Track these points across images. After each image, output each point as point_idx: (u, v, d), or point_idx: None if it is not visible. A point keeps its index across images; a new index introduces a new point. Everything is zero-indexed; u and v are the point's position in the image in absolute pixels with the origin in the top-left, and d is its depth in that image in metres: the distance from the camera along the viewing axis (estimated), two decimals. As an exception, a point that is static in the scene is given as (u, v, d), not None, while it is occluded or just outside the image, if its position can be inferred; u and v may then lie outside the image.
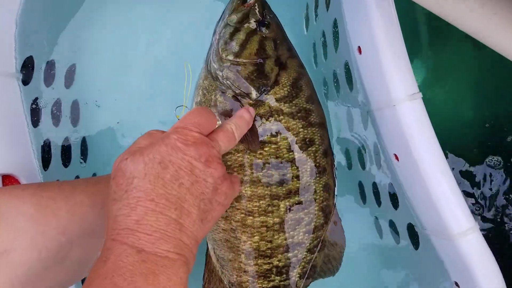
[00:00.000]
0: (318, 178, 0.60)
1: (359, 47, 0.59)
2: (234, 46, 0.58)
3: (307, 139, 0.59)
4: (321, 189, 0.60)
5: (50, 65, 0.71)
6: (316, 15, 0.76)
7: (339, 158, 0.81)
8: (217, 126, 0.52)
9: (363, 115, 0.66)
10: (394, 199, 0.67)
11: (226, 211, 0.60)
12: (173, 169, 0.44)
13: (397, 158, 0.59)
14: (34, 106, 0.67)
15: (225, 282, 0.65)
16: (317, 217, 0.61)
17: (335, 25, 0.67)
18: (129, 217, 0.42)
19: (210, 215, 0.47)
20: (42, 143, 0.67)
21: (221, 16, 0.61)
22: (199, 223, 0.46)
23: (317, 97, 0.62)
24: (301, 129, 0.59)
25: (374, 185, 0.73)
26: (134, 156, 0.45)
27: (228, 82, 0.58)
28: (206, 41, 0.63)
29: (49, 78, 0.71)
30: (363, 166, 0.75)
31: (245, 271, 0.62)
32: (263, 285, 0.62)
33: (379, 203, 0.74)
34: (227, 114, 0.58)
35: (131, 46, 0.84)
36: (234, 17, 0.59)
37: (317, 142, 0.60)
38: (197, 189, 0.45)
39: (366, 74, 0.60)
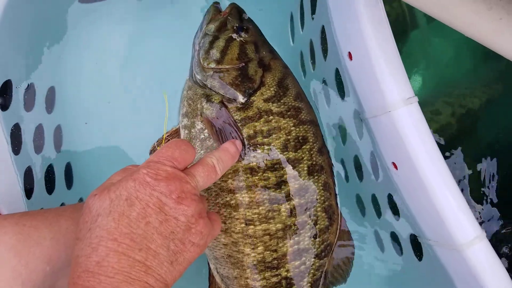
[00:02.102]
0: (316, 177, 0.58)
1: (349, 52, 0.57)
2: (215, 53, 0.57)
3: (300, 137, 0.57)
4: (321, 188, 0.58)
5: (30, 89, 0.68)
6: (302, 25, 0.74)
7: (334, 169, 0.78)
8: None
9: (357, 124, 0.64)
10: (395, 210, 0.64)
11: (225, 223, 0.57)
12: (140, 206, 0.41)
13: (395, 166, 0.56)
14: (14, 131, 0.64)
15: None
16: (321, 218, 0.58)
17: (322, 32, 0.65)
18: (90, 258, 0.39)
19: (182, 257, 0.43)
20: (24, 171, 0.64)
21: (199, 27, 0.61)
22: (168, 265, 0.42)
23: (305, 95, 0.60)
24: (292, 128, 0.57)
25: (373, 196, 0.70)
26: (102, 192, 0.42)
27: (213, 90, 0.57)
28: (187, 55, 0.62)
29: (29, 103, 0.68)
30: (360, 178, 0.72)
31: None
32: None
33: (379, 215, 0.72)
34: (214, 121, 0.56)
35: (111, 67, 0.82)
36: (212, 26, 0.59)
37: (311, 140, 0.58)
38: (166, 228, 0.42)
39: (358, 80, 0.58)
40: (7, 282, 0.47)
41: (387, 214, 0.68)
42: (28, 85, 0.68)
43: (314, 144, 0.58)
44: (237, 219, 0.56)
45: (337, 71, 0.63)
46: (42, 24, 0.69)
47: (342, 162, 0.76)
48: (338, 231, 0.61)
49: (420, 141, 0.50)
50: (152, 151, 0.60)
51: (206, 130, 0.57)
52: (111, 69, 0.82)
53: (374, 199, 0.70)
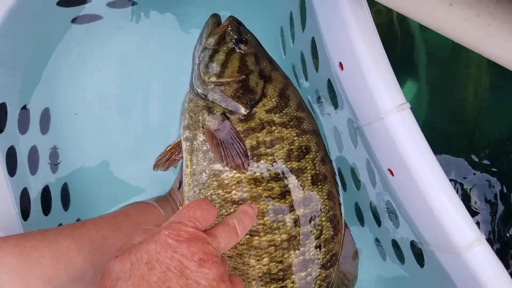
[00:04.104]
0: (320, 187, 0.58)
1: (340, 63, 0.58)
2: (215, 67, 0.57)
3: (303, 147, 0.57)
4: (325, 197, 0.58)
5: (24, 112, 0.68)
6: (293, 38, 0.75)
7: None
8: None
9: (351, 133, 0.64)
10: (394, 217, 0.64)
11: None
12: (160, 270, 0.40)
13: (391, 173, 0.56)
14: (10, 153, 0.64)
15: None
16: (326, 228, 0.58)
17: (313, 44, 0.65)
18: None
19: None
20: (20, 193, 0.63)
21: (198, 40, 0.61)
22: None
23: (306, 105, 0.61)
24: (295, 138, 0.57)
25: (371, 205, 0.70)
26: (124, 255, 0.42)
27: (215, 103, 0.57)
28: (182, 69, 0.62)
29: (23, 125, 0.68)
30: (357, 187, 0.72)
31: None
32: None
33: (378, 223, 0.71)
34: (216, 133, 0.56)
35: (106, 86, 0.82)
36: (211, 40, 0.59)
37: (314, 149, 0.58)
38: None
39: (351, 89, 0.58)
40: None
41: (387, 222, 0.68)
42: (22, 107, 0.68)
43: (317, 154, 0.58)
44: None
45: (329, 81, 0.63)
46: (35, 45, 0.69)
47: (339, 171, 0.76)
48: (342, 240, 0.61)
49: (414, 146, 0.51)
50: (155, 165, 0.59)
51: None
52: (106, 88, 0.82)
53: (373, 207, 0.70)
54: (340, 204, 0.60)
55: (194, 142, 0.58)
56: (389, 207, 0.64)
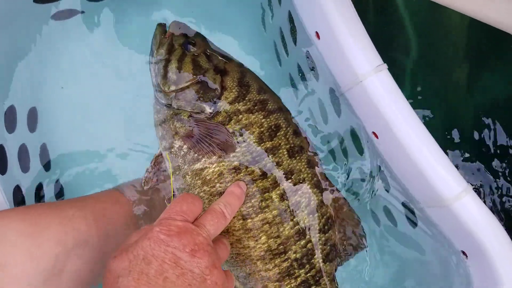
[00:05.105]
0: (298, 158, 0.59)
1: (316, 32, 0.58)
2: (172, 76, 0.59)
3: (272, 126, 0.59)
4: (305, 167, 0.59)
5: (10, 111, 0.69)
6: (272, 14, 0.75)
7: (322, 153, 0.79)
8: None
9: (334, 102, 0.65)
10: (385, 182, 0.65)
11: None
12: (157, 263, 0.44)
13: (376, 136, 0.57)
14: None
15: None
16: (314, 194, 0.59)
17: (290, 17, 0.66)
18: None
19: None
20: (12, 190, 0.64)
21: (150, 53, 0.63)
22: None
23: (267, 86, 0.62)
24: (263, 120, 0.59)
25: (362, 173, 0.71)
26: (121, 254, 0.45)
27: (180, 109, 0.59)
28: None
29: (11, 124, 0.69)
30: (346, 156, 0.73)
31: (268, 278, 0.60)
32: (292, 285, 0.60)
33: (371, 192, 0.72)
34: (191, 135, 0.58)
35: (92, 83, 0.82)
36: (162, 51, 0.61)
37: (284, 125, 0.59)
38: (183, 282, 0.44)
39: (329, 57, 0.59)
40: (22, 263, 0.50)
41: (379, 189, 0.69)
42: (8, 107, 0.68)
43: (288, 128, 0.60)
44: (234, 217, 0.57)
45: (308, 53, 0.64)
46: (16, 44, 0.69)
47: (328, 144, 0.77)
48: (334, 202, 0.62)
49: (393, 104, 0.52)
50: (145, 182, 0.61)
51: (184, 146, 0.58)
52: (91, 84, 0.82)
53: (363, 176, 0.72)
54: (323, 170, 0.62)
55: (172, 150, 0.60)
56: (378, 172, 0.65)
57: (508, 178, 0.86)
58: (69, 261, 0.54)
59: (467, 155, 0.88)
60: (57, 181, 0.78)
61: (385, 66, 0.53)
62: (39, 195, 0.71)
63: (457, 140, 0.88)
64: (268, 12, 0.78)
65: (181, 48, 0.60)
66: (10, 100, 0.69)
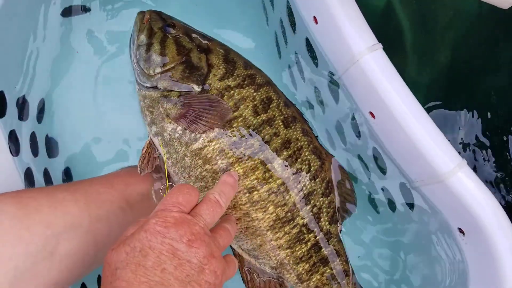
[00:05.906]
0: (293, 127, 0.62)
1: (314, 17, 0.60)
2: (155, 58, 0.60)
3: (264, 99, 0.61)
4: (300, 135, 0.62)
5: (22, 101, 0.70)
6: (273, 6, 0.77)
7: (321, 139, 0.81)
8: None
9: (332, 88, 0.67)
10: (382, 164, 0.66)
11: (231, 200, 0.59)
12: (154, 255, 0.44)
13: (372, 115, 0.59)
14: (12, 137, 0.66)
15: (267, 271, 0.65)
16: (313, 160, 0.62)
17: (288, 7, 0.68)
18: None
19: None
20: (24, 171, 0.66)
21: (130, 41, 0.64)
22: None
23: (250, 62, 0.65)
24: (254, 94, 0.61)
25: (359, 157, 0.73)
26: (119, 247, 0.46)
27: (167, 90, 0.60)
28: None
29: (22, 113, 0.70)
30: (344, 142, 0.74)
31: (279, 247, 0.62)
32: (303, 250, 0.62)
33: (368, 174, 0.74)
34: (183, 116, 0.59)
35: (99, 77, 0.83)
36: (143, 36, 0.62)
37: (275, 97, 0.62)
38: (181, 272, 0.45)
39: (326, 41, 0.61)
40: (11, 244, 0.50)
41: (375, 171, 0.70)
42: (20, 97, 0.70)
43: (279, 100, 0.62)
44: (240, 191, 0.59)
45: (307, 40, 0.66)
46: (26, 37, 0.71)
47: (327, 132, 0.79)
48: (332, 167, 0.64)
49: (388, 83, 0.53)
50: (141, 170, 0.62)
51: (178, 128, 0.59)
52: (99, 80, 0.83)
53: (361, 160, 0.73)
54: (316, 136, 0.64)
55: (165, 134, 0.60)
56: (375, 153, 0.66)
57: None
58: (60, 244, 0.54)
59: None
60: (67, 168, 0.79)
61: (380, 45, 0.55)
62: (46, 181, 0.72)
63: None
64: (269, 5, 0.79)
65: (161, 31, 0.62)
66: (23, 91, 0.71)
